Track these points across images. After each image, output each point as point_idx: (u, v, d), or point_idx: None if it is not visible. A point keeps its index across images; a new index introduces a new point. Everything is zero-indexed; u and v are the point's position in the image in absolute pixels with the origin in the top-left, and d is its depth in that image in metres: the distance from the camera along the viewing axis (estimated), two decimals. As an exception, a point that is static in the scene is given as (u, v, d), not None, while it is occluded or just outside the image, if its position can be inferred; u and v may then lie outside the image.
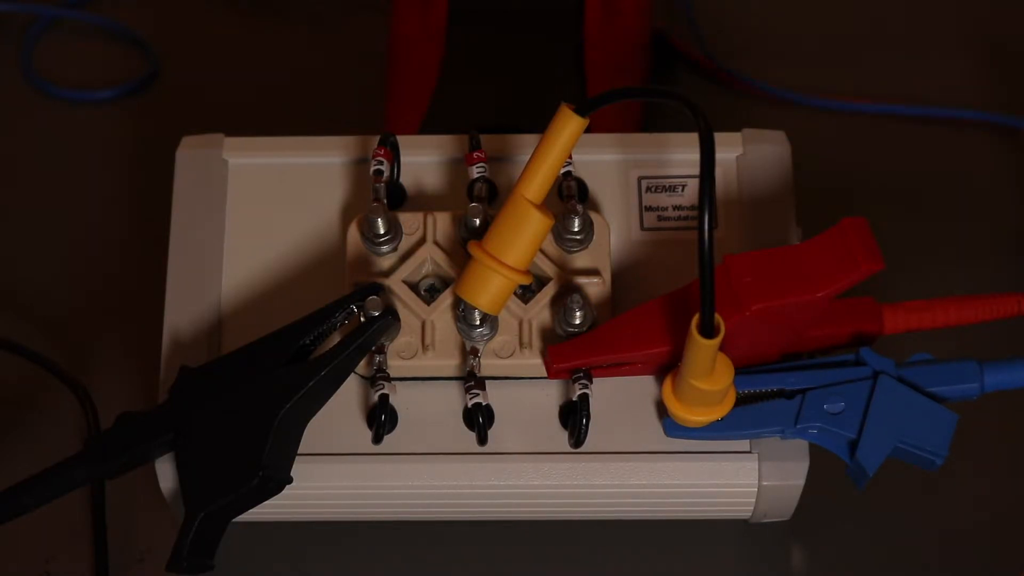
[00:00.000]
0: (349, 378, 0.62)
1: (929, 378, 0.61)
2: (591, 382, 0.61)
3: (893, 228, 0.66)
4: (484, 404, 0.61)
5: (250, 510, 0.60)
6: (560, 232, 0.63)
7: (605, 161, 0.66)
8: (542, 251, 0.63)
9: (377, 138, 0.65)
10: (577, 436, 0.61)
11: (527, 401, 0.63)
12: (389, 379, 0.62)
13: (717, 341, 0.56)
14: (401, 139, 0.66)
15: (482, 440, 0.62)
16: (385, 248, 0.63)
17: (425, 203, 0.66)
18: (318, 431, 0.62)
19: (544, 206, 0.60)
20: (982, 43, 0.82)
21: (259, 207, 0.66)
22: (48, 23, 0.85)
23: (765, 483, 0.62)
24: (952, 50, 0.82)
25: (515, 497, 0.63)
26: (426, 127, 0.71)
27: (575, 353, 0.61)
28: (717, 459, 0.62)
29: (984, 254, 0.76)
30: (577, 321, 0.61)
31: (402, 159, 0.66)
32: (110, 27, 0.85)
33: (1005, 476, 0.69)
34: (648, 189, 0.66)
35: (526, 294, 0.63)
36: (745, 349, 0.60)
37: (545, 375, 0.62)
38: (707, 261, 0.56)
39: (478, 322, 0.61)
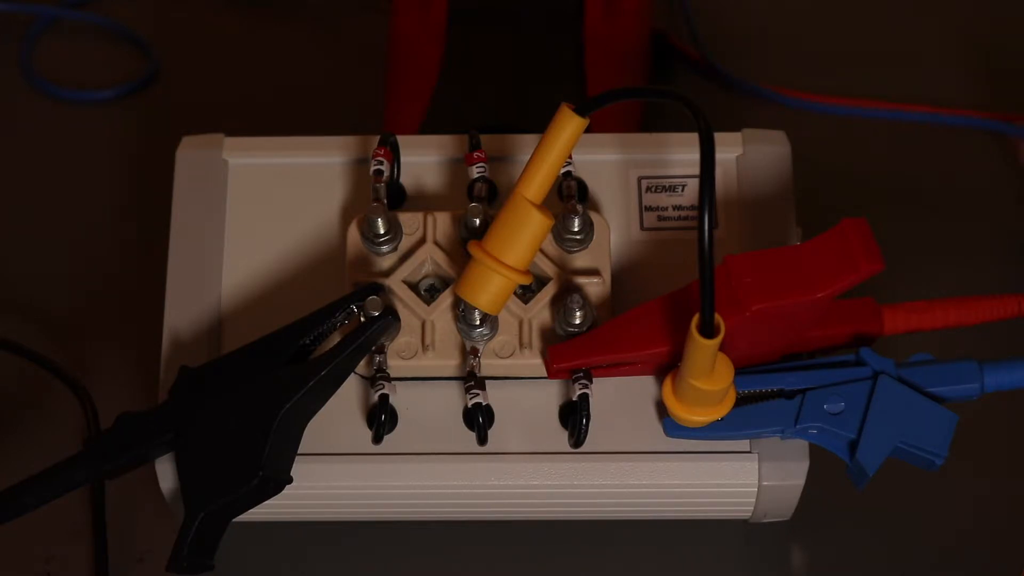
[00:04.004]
0: (349, 378, 0.62)
1: (929, 378, 0.61)
2: (591, 382, 0.61)
3: (893, 228, 0.66)
4: (484, 404, 0.61)
5: (250, 510, 0.60)
6: (560, 232, 0.63)
7: (605, 161, 0.66)
8: (542, 251, 0.63)
9: (377, 138, 0.65)
10: (577, 436, 0.61)
11: (527, 401, 0.63)
12: (389, 379, 0.62)
13: (717, 341, 0.56)
14: (401, 139, 0.66)
15: (482, 440, 0.62)
16: (385, 248, 0.63)
17: (425, 203, 0.66)
18: (318, 431, 0.62)
19: (544, 206, 0.60)
20: (980, 45, 0.82)
21: (259, 207, 0.66)
22: (48, 23, 0.85)
23: (765, 483, 0.62)
24: (951, 53, 0.82)
25: (515, 497, 0.63)
26: (426, 127, 0.71)
27: (575, 353, 0.61)
28: (717, 459, 0.62)
29: (984, 254, 0.76)
30: (577, 321, 0.61)
31: (402, 159, 0.66)
32: (110, 27, 0.85)
33: (1005, 476, 0.69)
34: (648, 189, 0.66)
35: (526, 294, 0.63)
36: (745, 349, 0.60)
37: (545, 375, 0.62)
38: (707, 261, 0.56)
39: (478, 322, 0.61)
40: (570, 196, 0.64)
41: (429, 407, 0.63)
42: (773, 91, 0.81)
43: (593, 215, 0.63)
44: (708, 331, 0.56)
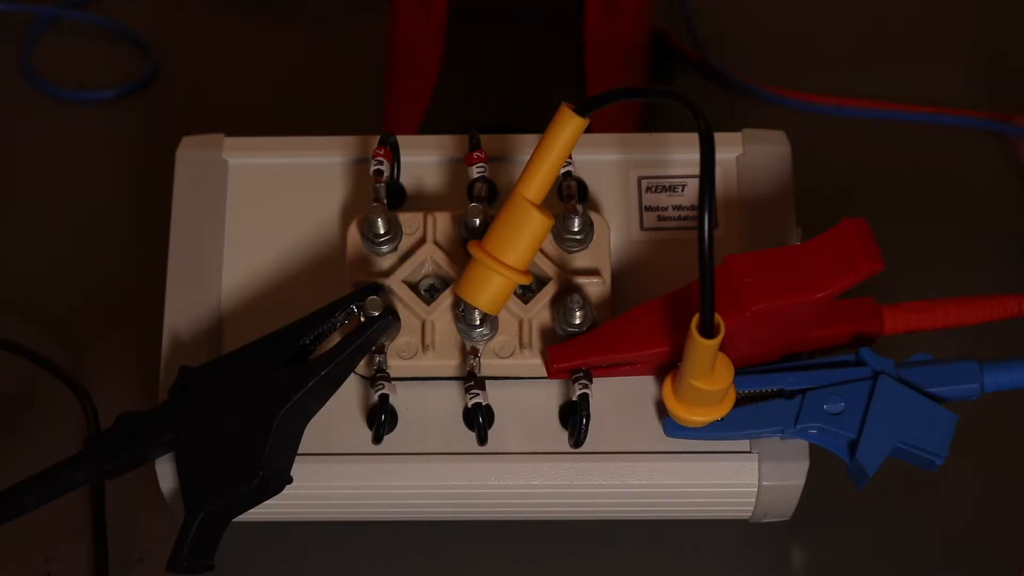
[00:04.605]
0: (349, 378, 0.62)
1: (929, 378, 0.61)
2: (591, 382, 0.61)
3: (893, 228, 0.66)
4: (484, 404, 0.61)
5: (250, 510, 0.60)
6: (560, 232, 0.63)
7: (605, 161, 0.66)
8: (542, 251, 0.63)
9: (377, 138, 0.65)
10: (577, 436, 0.61)
11: (527, 401, 0.63)
12: (389, 379, 0.62)
13: (717, 341, 0.56)
14: (401, 139, 0.66)
15: (482, 440, 0.62)
16: (385, 248, 0.63)
17: (425, 203, 0.66)
18: (318, 431, 0.62)
19: (544, 206, 0.60)
20: (980, 45, 0.82)
21: (259, 207, 0.66)
22: (48, 23, 0.85)
23: (765, 483, 0.62)
24: (951, 53, 0.82)
25: (515, 497, 0.63)
26: (426, 127, 0.71)
27: (575, 353, 0.61)
28: (717, 459, 0.62)
29: (984, 254, 0.76)
30: (577, 321, 0.61)
31: (402, 159, 0.66)
32: (110, 27, 0.85)
33: (1005, 476, 0.69)
34: (648, 189, 0.66)
35: (526, 294, 0.63)
36: (745, 349, 0.60)
37: (545, 375, 0.62)
38: (707, 261, 0.56)
39: (478, 322, 0.61)
40: (570, 196, 0.64)
41: (429, 407, 0.63)
42: (773, 91, 0.81)
43: (593, 215, 0.63)
44: (708, 331, 0.56)
